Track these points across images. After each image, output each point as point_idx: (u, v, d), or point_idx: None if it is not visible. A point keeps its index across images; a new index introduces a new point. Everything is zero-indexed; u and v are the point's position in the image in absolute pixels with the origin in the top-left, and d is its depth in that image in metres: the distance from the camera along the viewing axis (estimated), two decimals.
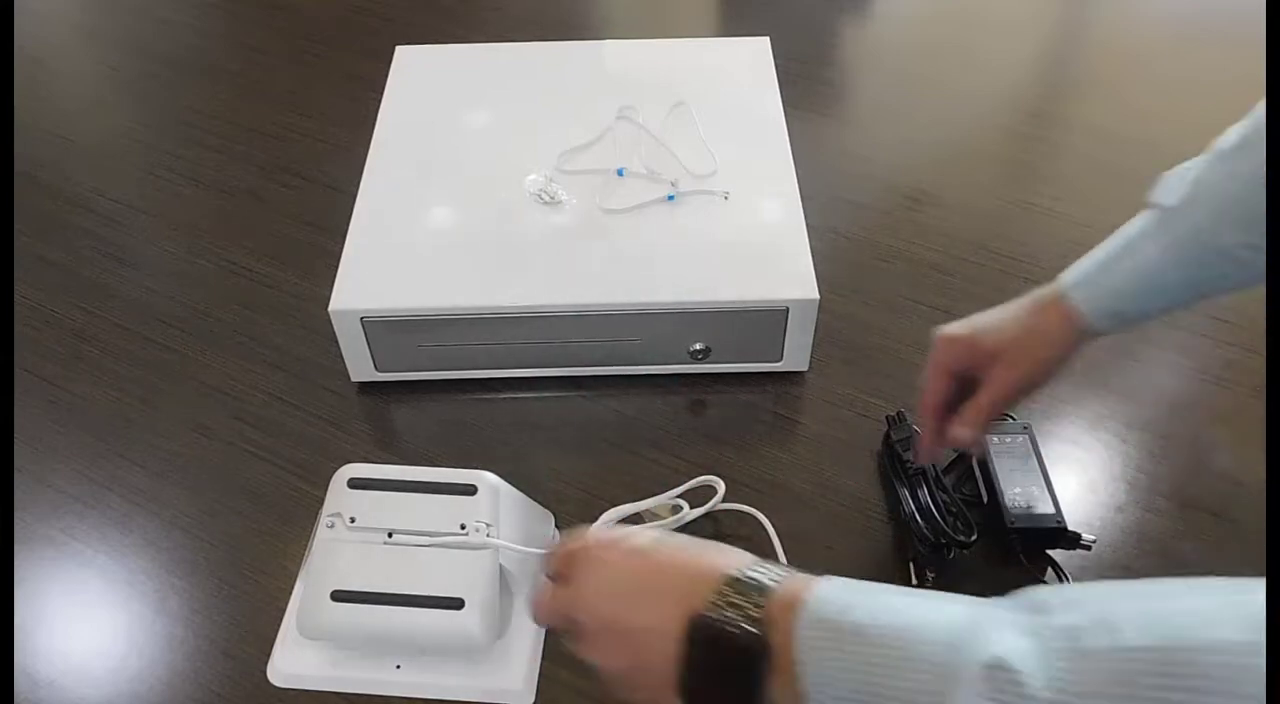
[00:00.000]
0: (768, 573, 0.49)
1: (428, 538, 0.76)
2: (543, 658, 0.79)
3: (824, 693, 0.43)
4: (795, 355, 0.98)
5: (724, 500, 0.87)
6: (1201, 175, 0.70)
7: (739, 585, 0.48)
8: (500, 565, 0.77)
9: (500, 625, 0.77)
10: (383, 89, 1.16)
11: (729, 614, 0.47)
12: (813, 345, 0.98)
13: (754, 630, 0.46)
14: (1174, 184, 0.71)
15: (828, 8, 1.50)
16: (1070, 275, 0.75)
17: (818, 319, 0.95)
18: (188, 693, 0.80)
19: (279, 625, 0.83)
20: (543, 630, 0.80)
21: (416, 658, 0.79)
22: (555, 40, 1.25)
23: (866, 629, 0.43)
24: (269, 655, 0.81)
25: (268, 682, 0.80)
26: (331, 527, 0.78)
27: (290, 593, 0.85)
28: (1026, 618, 0.41)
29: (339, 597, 0.75)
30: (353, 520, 0.77)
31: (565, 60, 1.21)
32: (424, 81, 1.18)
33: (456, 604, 0.74)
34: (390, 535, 0.77)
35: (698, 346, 0.97)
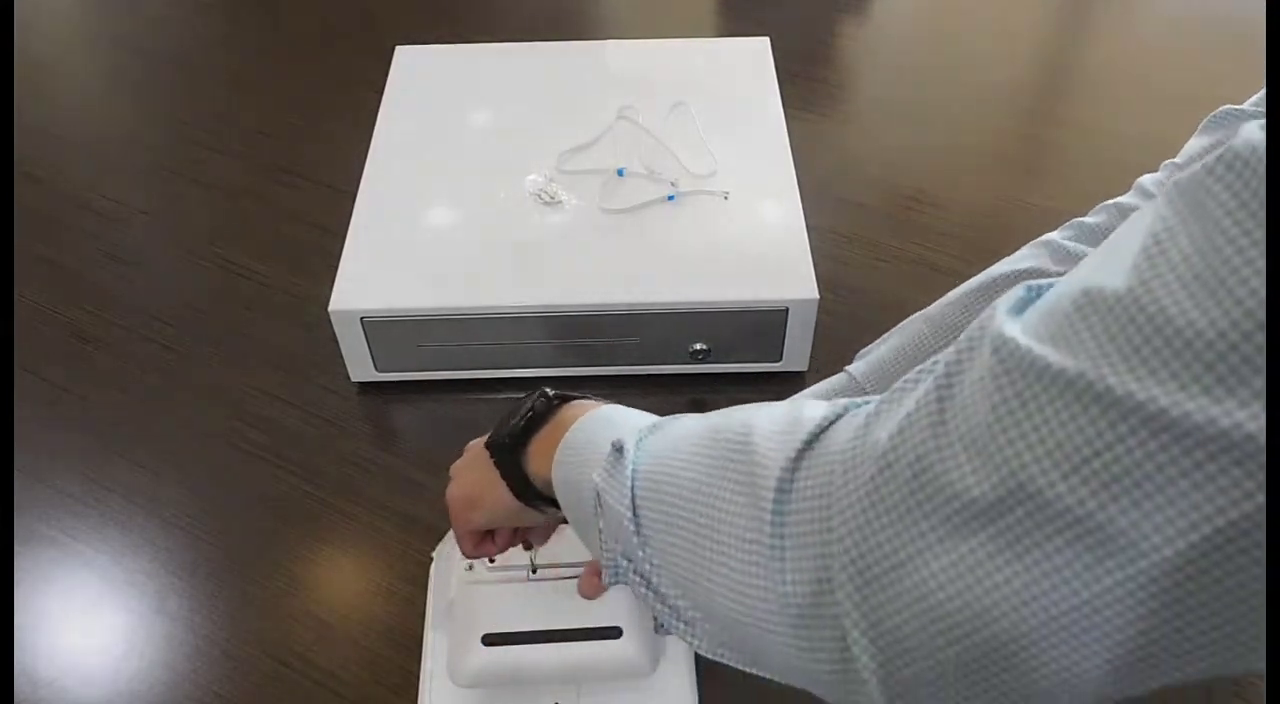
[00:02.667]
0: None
1: (572, 569, 0.75)
2: (700, 683, 0.77)
3: (558, 469, 0.62)
4: (795, 355, 0.98)
5: None
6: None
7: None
8: None
9: (659, 650, 0.76)
10: (383, 89, 1.16)
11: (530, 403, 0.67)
12: (813, 345, 0.98)
13: (544, 402, 0.66)
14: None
15: (828, 8, 1.50)
16: None
17: (818, 319, 0.95)
18: (187, 693, 0.80)
19: (282, 628, 0.83)
20: (693, 654, 0.77)
21: (575, 693, 0.76)
22: (555, 40, 1.25)
23: (599, 422, 0.61)
24: (271, 657, 0.81)
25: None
26: (470, 569, 0.76)
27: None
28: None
29: (491, 640, 0.73)
30: (491, 561, 0.75)
31: (565, 60, 1.21)
32: (424, 81, 1.18)
33: (614, 633, 0.73)
34: (534, 571, 0.76)
35: (698, 347, 0.97)
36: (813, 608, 0.45)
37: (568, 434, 0.62)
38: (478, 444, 0.71)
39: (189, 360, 1.04)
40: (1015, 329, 0.38)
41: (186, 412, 0.99)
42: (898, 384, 0.44)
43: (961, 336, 0.41)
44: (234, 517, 0.91)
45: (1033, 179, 1.23)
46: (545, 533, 0.75)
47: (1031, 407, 0.36)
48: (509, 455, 0.67)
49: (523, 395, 0.68)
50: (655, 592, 0.56)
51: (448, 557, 0.81)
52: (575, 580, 0.73)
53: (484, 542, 0.72)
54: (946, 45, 1.44)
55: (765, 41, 1.22)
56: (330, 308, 0.94)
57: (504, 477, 0.67)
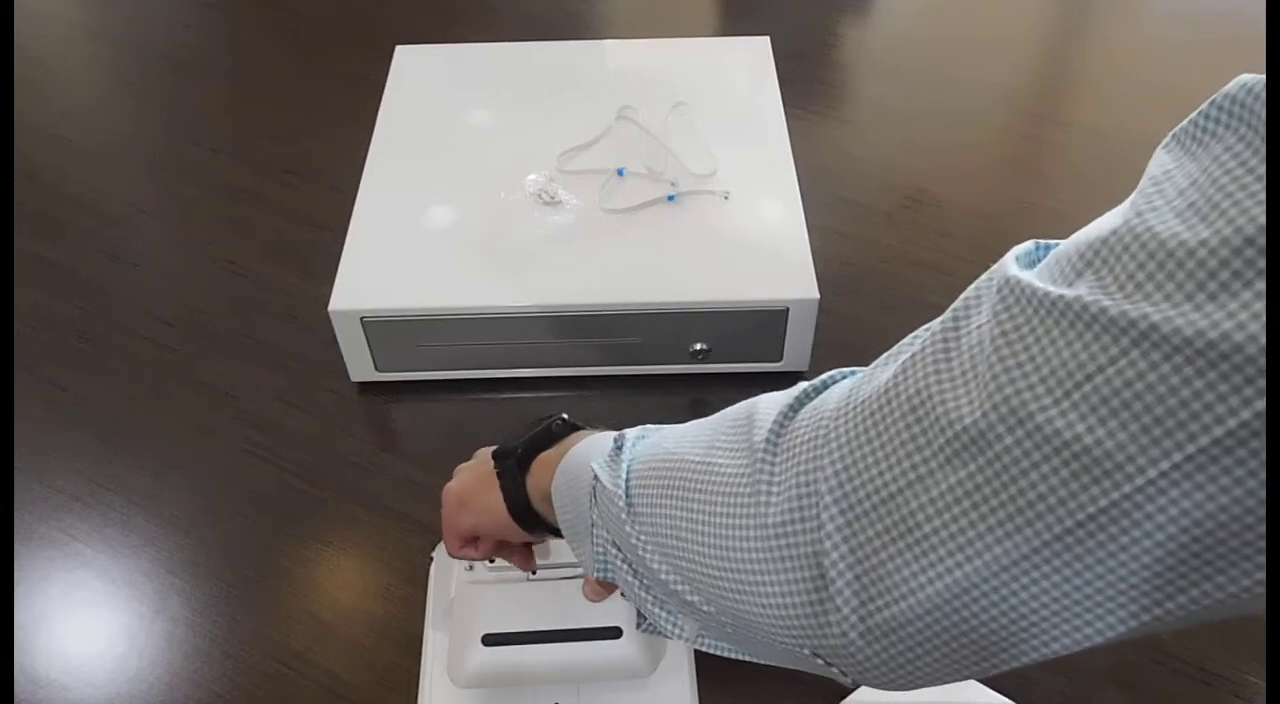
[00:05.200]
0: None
1: (572, 569, 0.75)
2: (700, 683, 0.77)
3: (557, 483, 0.63)
4: (795, 355, 0.98)
5: None
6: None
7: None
8: None
9: (659, 650, 0.76)
10: (383, 89, 1.16)
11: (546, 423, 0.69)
12: (813, 345, 0.98)
13: (560, 425, 0.69)
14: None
15: (828, 8, 1.50)
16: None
17: (818, 319, 0.95)
18: (187, 693, 0.80)
19: (282, 628, 0.83)
20: (693, 655, 0.78)
21: (575, 693, 0.76)
22: (555, 40, 1.25)
23: (603, 436, 0.63)
24: (271, 657, 0.81)
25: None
26: (470, 569, 0.77)
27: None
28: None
29: (490, 641, 0.73)
30: (491, 561, 0.76)
31: (565, 60, 1.21)
32: (424, 81, 1.18)
33: (614, 633, 0.73)
34: (533, 571, 0.76)
35: (698, 347, 0.97)
36: (793, 525, 0.45)
37: (573, 448, 0.63)
38: (487, 450, 0.72)
39: (189, 360, 1.04)
40: (1022, 274, 0.39)
41: (186, 412, 0.99)
42: (901, 342, 0.46)
43: (970, 287, 0.42)
44: (234, 517, 0.91)
45: (1034, 178, 1.23)
46: (524, 558, 0.76)
47: (1029, 337, 0.37)
48: (511, 465, 0.68)
49: (529, 399, 0.70)
50: (641, 580, 0.56)
51: (448, 557, 0.81)
52: (575, 581, 0.73)
53: (467, 544, 0.73)
54: (947, 45, 1.44)
55: (765, 41, 1.22)
56: (330, 308, 0.94)
57: (501, 485, 0.68)
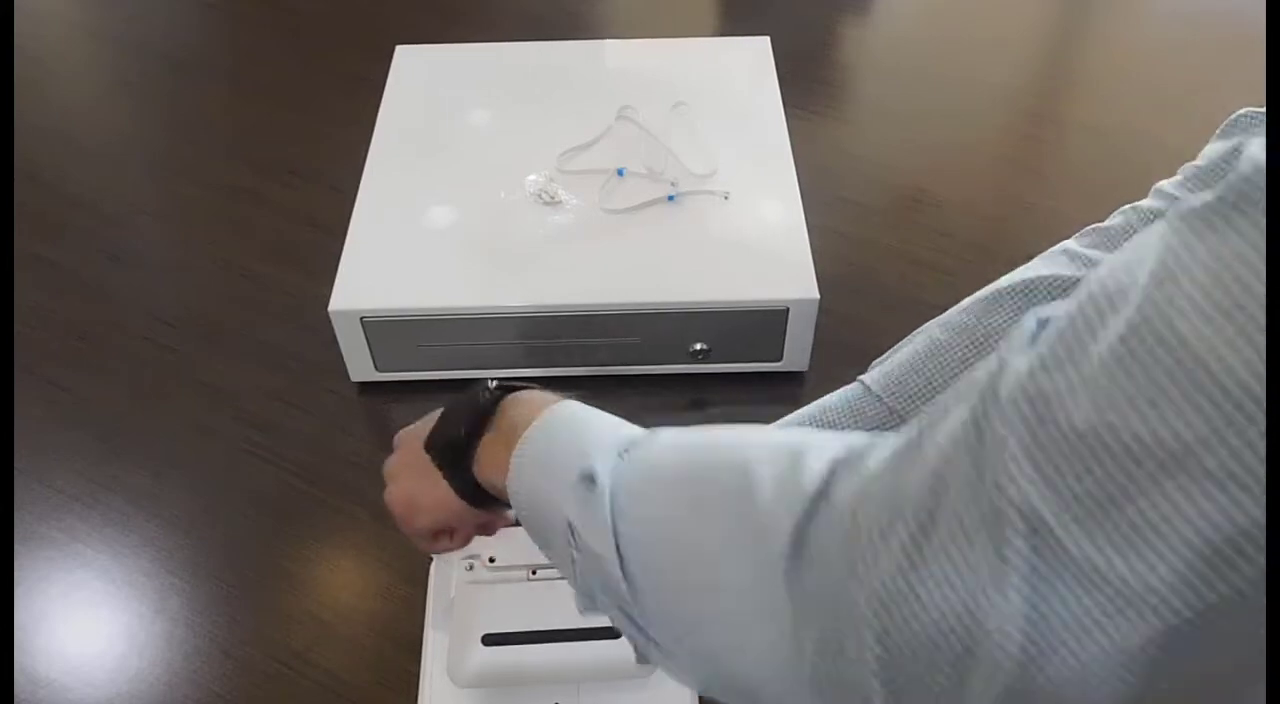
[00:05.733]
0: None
1: None
2: None
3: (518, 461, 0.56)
4: (795, 355, 0.98)
5: None
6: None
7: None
8: None
9: None
10: (383, 89, 1.16)
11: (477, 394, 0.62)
12: (813, 345, 0.98)
13: (488, 397, 0.61)
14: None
15: (828, 8, 1.50)
16: None
17: (818, 319, 0.95)
18: (187, 693, 0.80)
19: (282, 628, 0.83)
20: None
21: (575, 693, 0.76)
22: (555, 40, 1.25)
23: (559, 430, 0.56)
24: (271, 657, 0.81)
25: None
26: (471, 568, 0.77)
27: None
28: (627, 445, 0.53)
29: (491, 640, 0.73)
30: (492, 560, 0.76)
31: (565, 60, 1.21)
32: (424, 81, 1.18)
33: (614, 633, 0.72)
34: (534, 571, 0.76)
35: (698, 347, 0.97)
36: (830, 679, 0.41)
37: (524, 442, 0.56)
38: (412, 439, 0.66)
39: (189, 360, 1.04)
40: (1028, 375, 0.36)
41: (186, 412, 0.99)
42: (911, 431, 0.41)
43: (973, 386, 0.38)
44: (234, 517, 0.91)
45: (1033, 178, 1.23)
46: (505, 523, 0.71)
47: (1059, 459, 0.34)
48: (453, 459, 0.62)
49: (463, 392, 0.61)
50: (645, 634, 0.52)
51: (448, 557, 0.81)
52: None
53: (439, 538, 0.68)
54: (947, 45, 1.43)
55: (765, 41, 1.22)
56: (330, 308, 0.94)
57: (449, 479, 0.62)
